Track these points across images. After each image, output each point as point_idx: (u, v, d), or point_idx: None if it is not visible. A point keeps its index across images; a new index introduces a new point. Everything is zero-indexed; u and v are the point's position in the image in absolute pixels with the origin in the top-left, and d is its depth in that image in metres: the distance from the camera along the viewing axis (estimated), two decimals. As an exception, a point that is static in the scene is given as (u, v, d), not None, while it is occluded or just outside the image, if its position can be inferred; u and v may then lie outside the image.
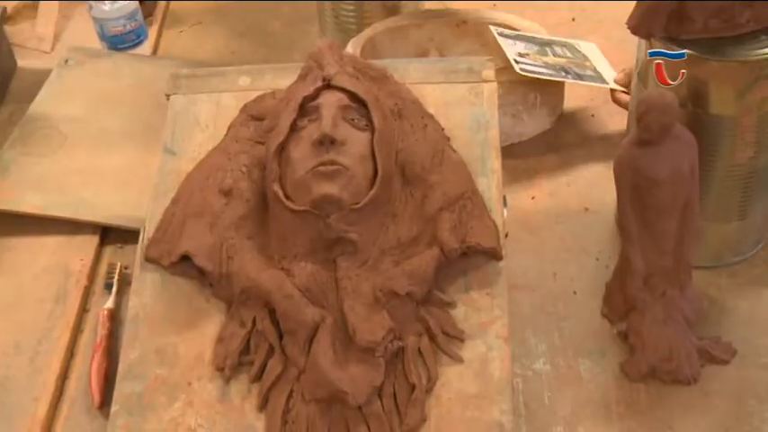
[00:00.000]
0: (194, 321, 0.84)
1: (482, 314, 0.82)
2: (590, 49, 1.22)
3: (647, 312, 0.84)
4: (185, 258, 0.84)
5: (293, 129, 0.87)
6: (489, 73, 0.97)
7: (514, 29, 1.22)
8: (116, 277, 0.99)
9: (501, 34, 1.17)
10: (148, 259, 0.87)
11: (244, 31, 1.46)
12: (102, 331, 0.93)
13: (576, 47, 1.20)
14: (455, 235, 0.83)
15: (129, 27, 1.32)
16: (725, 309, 0.91)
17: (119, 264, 1.01)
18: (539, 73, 1.10)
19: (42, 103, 1.22)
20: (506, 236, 1.01)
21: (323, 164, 0.83)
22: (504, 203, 1.05)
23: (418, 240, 0.84)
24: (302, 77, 0.93)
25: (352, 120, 0.86)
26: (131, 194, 1.08)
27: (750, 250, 0.97)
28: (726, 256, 0.96)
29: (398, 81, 0.95)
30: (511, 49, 1.14)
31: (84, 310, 0.98)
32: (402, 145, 0.89)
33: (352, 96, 0.88)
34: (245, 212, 0.87)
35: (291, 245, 0.84)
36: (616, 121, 1.18)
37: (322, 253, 0.83)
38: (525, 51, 1.15)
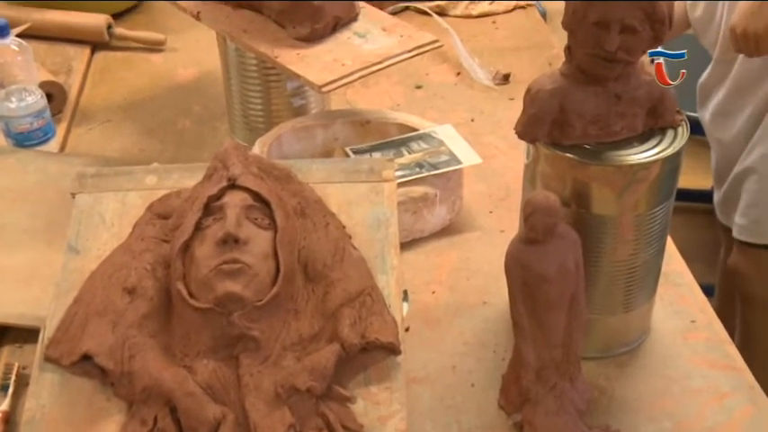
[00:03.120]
0: (94, 422, 0.83)
1: (381, 408, 0.84)
2: (446, 132, 1.27)
3: (540, 404, 0.88)
4: (86, 358, 0.84)
5: (198, 228, 0.89)
6: (389, 173, 1.01)
7: (414, 128, 1.28)
8: (13, 378, 0.98)
9: (356, 152, 1.22)
10: (48, 359, 0.86)
11: (153, 129, 1.48)
12: (-3, 435, 0.91)
13: (433, 134, 1.26)
14: (355, 331, 0.86)
15: (36, 125, 1.33)
16: (613, 397, 0.96)
17: (16, 364, 0.99)
18: None
19: (-57, 201, 1.21)
20: (407, 330, 1.05)
21: (226, 262, 0.85)
22: (406, 298, 1.09)
23: (319, 336, 0.87)
24: (208, 177, 0.96)
25: (256, 219, 0.89)
26: (32, 293, 1.07)
27: (636, 341, 1.02)
28: (613, 347, 1.01)
29: (302, 181, 0.98)
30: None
31: (-22, 412, 0.96)
32: (304, 243, 0.92)
33: (256, 196, 0.91)
34: (148, 311, 0.87)
35: (194, 342, 0.85)
36: (513, 217, 1.23)
37: (224, 350, 0.84)
38: (387, 158, 1.21)
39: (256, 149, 1.24)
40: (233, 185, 0.92)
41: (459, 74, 1.61)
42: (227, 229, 0.86)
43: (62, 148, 1.42)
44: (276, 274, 0.87)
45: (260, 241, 0.87)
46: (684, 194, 2.44)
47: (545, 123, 0.88)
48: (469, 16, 1.81)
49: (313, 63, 1.18)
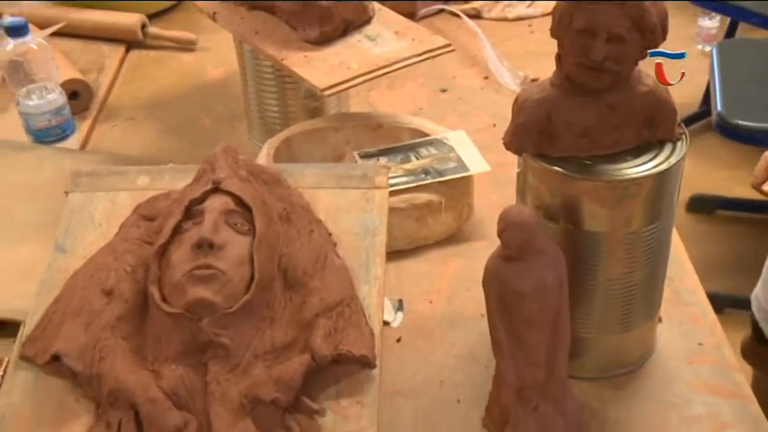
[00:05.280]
0: (62, 422, 0.83)
1: (350, 423, 0.82)
2: (458, 138, 1.23)
3: (520, 426, 0.84)
4: (57, 358, 0.84)
5: (177, 231, 0.88)
6: (382, 179, 0.99)
7: (426, 134, 1.25)
8: (1, 373, 0.98)
9: (363, 156, 1.19)
10: (23, 358, 0.87)
11: (174, 128, 1.48)
12: (-22, 429, 0.92)
13: (444, 140, 1.22)
14: (328, 342, 0.83)
15: (54, 122, 1.34)
16: (606, 422, 0.91)
17: (6, 359, 1.00)
18: (393, 185, 1.10)
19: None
20: (398, 341, 1.03)
21: (199, 267, 0.84)
22: (400, 307, 1.06)
23: (292, 346, 0.85)
24: (196, 180, 0.95)
25: (235, 224, 0.87)
26: (31, 288, 1.07)
27: (636, 362, 0.97)
28: (611, 368, 0.96)
29: (291, 186, 0.97)
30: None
31: (-34, 406, 0.97)
32: (286, 249, 0.90)
33: (239, 200, 0.89)
34: (122, 313, 0.87)
35: (165, 347, 0.84)
36: (523, 227, 1.19)
37: (194, 356, 0.83)
38: (383, 165, 1.18)
39: (264, 151, 1.22)
40: (217, 189, 0.91)
41: (486, 78, 1.57)
42: (202, 233, 0.84)
43: (84, 144, 1.44)
44: (251, 280, 0.85)
45: (236, 247, 0.86)
46: (727, 203, 2.37)
47: (532, 134, 0.84)
48: (505, 19, 1.76)
49: (318, 66, 1.16)
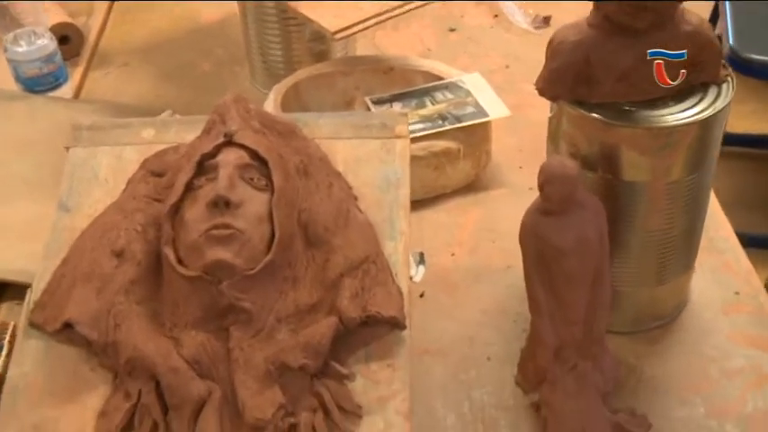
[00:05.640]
0: (77, 393, 0.78)
1: (381, 387, 0.78)
2: (474, 81, 1.18)
3: (558, 385, 0.80)
4: (69, 325, 0.79)
5: (190, 188, 0.82)
6: (402, 128, 0.93)
7: (441, 77, 1.19)
8: (7, 338, 0.94)
9: (375, 102, 1.13)
10: (32, 325, 0.82)
11: (171, 73, 1.41)
12: (-14, 399, 0.87)
13: (460, 84, 1.16)
14: (355, 303, 0.79)
15: (45, 69, 1.27)
16: (642, 377, 0.88)
17: (12, 323, 0.95)
18: (410, 132, 1.05)
19: (-51, 147, 1.17)
20: (422, 296, 0.98)
21: (216, 227, 0.78)
22: (422, 261, 1.02)
23: (318, 308, 0.80)
24: (206, 132, 0.89)
25: (251, 179, 0.82)
26: (33, 248, 1.02)
27: (670, 315, 0.94)
28: (645, 322, 0.92)
29: (307, 137, 0.91)
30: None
31: (-29, 373, 0.92)
32: (305, 205, 0.85)
33: (254, 154, 0.84)
34: (135, 276, 0.82)
35: (183, 312, 0.79)
36: (544, 174, 1.15)
37: (214, 321, 0.78)
38: (402, 112, 1.12)
39: (271, 98, 1.16)
40: (230, 142, 0.85)
41: (496, 16, 1.50)
42: (217, 190, 0.79)
43: (77, 92, 1.37)
44: (271, 239, 0.80)
45: (254, 204, 0.81)
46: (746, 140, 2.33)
47: (568, 79, 0.79)
48: (513, -47, 1.68)
49: (328, 6, 1.09)
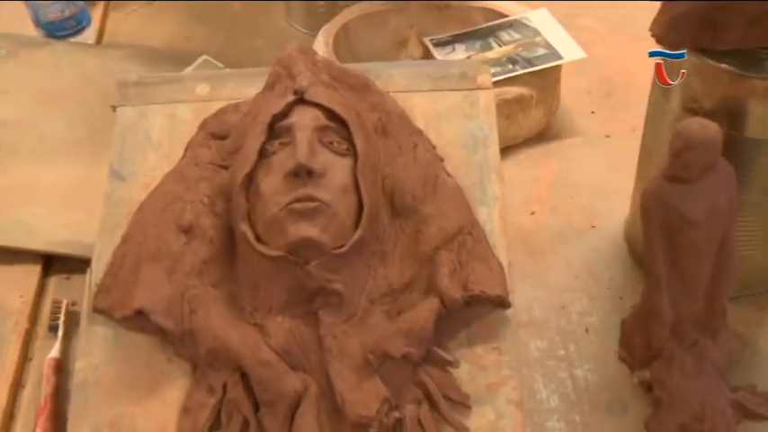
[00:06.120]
0: (154, 386, 0.71)
1: (489, 374, 0.71)
2: (541, 18, 1.08)
3: (675, 364, 0.74)
4: (143, 313, 0.72)
5: (262, 154, 0.74)
6: (485, 78, 0.84)
7: (502, 14, 1.10)
8: (62, 318, 0.86)
9: (436, 44, 1.04)
10: (97, 310, 0.74)
11: (200, 13, 1.31)
12: (47, 389, 0.80)
13: (526, 21, 1.07)
14: (455, 280, 0.71)
15: (67, 12, 1.17)
16: (757, 350, 0.81)
17: (64, 302, 0.87)
18: None
19: (-29, 102, 1.08)
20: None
21: (299, 200, 0.70)
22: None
23: (412, 286, 0.73)
24: (269, 87, 0.80)
25: (331, 143, 0.73)
26: (77, 216, 0.95)
27: (779, 278, 0.87)
28: (753, 286, 0.85)
29: (381, 90, 0.82)
30: (450, 58, 1.02)
31: (25, 358, 0.85)
32: (389, 170, 0.76)
33: (330, 113, 0.75)
34: (208, 255, 0.74)
35: (265, 295, 0.71)
36: (620, 118, 1.06)
37: (301, 305, 0.71)
38: (466, 55, 1.03)
39: (320, 41, 1.07)
40: (301, 100, 0.76)
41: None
42: (298, 159, 0.70)
43: (99, 37, 1.27)
44: (358, 211, 0.72)
45: (338, 172, 0.72)
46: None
47: (693, 24, 0.70)
48: None
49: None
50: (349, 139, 0.74)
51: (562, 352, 0.82)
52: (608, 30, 1.18)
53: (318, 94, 0.76)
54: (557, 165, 1.01)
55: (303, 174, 0.70)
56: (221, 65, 1.13)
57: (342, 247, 0.70)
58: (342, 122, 0.75)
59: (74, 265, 0.92)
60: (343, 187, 0.72)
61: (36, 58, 1.14)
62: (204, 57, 1.15)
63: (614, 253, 0.90)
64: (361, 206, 0.72)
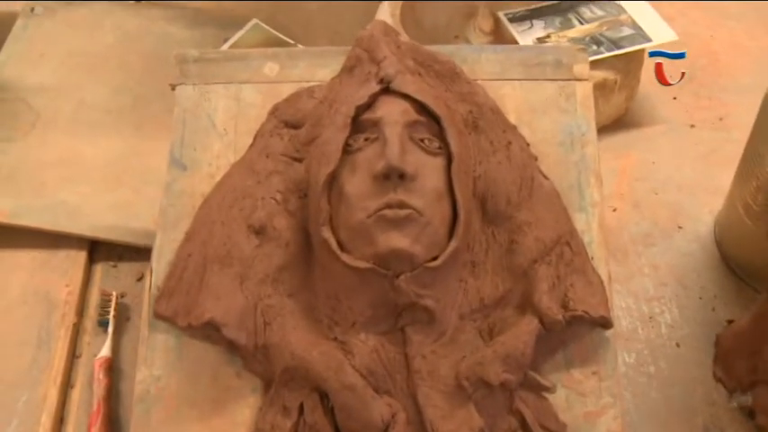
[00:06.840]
0: (222, 404, 0.66)
1: (588, 401, 0.65)
2: None
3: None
4: (214, 326, 0.65)
5: (346, 151, 0.67)
6: (582, 68, 0.77)
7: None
8: (112, 313, 0.80)
9: (512, 19, 0.95)
10: (159, 317, 0.68)
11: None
12: (99, 391, 0.74)
13: None
14: (555, 299, 0.65)
15: (107, -34, 1.08)
16: None
17: (114, 294, 0.81)
18: None
19: (5, 65, 1.00)
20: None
21: (389, 206, 0.63)
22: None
23: (506, 300, 0.67)
24: (348, 70, 0.73)
25: (422, 141, 0.66)
26: (122, 195, 0.88)
27: None
28: None
29: (470, 79, 0.75)
30: (526, 36, 0.94)
31: (74, 355, 0.79)
32: (480, 170, 0.69)
33: (419, 106, 0.68)
34: (284, 261, 0.67)
35: (347, 309, 0.65)
36: (703, 105, 0.99)
37: (386, 321, 0.65)
38: (545, 33, 0.95)
39: (385, 11, 0.98)
40: (387, 89, 0.69)
41: None
42: (389, 160, 0.63)
43: (139, -7, 1.18)
44: (452, 219, 0.65)
45: (431, 174, 0.65)
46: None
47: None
48: None
49: None
50: (440, 135, 0.67)
51: (652, 369, 0.76)
52: (689, 4, 1.09)
53: (407, 83, 0.69)
54: (638, 156, 0.94)
55: (394, 176, 0.63)
56: (274, 31, 1.05)
57: (435, 259, 0.64)
58: (432, 116, 0.68)
59: (121, 251, 0.86)
60: (437, 192, 0.65)
61: (74, 17, 1.06)
62: (255, 21, 1.07)
63: (705, 258, 0.84)
64: (454, 212, 0.66)
